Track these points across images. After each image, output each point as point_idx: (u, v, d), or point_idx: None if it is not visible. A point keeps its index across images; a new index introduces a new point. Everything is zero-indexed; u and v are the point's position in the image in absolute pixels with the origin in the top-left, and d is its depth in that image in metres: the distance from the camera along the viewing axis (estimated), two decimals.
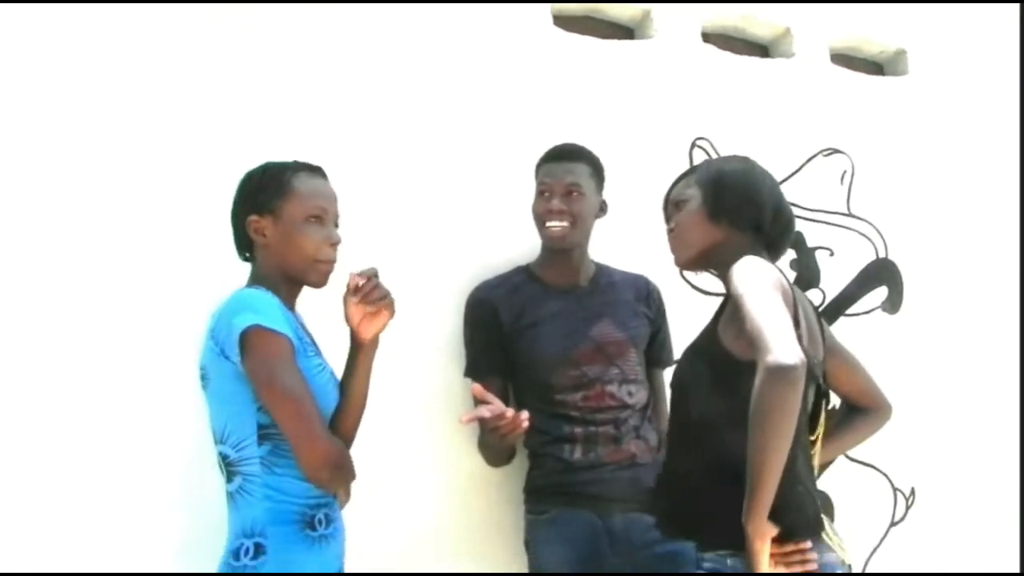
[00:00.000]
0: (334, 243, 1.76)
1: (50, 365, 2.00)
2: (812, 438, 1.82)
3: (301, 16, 2.36)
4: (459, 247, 2.41)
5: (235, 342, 1.62)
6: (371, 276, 1.75)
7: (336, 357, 1.85)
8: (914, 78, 3.05)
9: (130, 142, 2.13)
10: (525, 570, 2.24)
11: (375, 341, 1.79)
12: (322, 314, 1.85)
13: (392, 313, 1.77)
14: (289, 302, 1.77)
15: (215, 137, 2.19)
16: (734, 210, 1.81)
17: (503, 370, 2.29)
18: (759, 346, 1.56)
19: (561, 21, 2.73)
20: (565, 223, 2.26)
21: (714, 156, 2.71)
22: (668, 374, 2.21)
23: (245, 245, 1.79)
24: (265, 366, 1.61)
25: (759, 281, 1.66)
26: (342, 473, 1.68)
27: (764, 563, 1.59)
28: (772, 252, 1.85)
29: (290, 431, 1.62)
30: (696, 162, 2.70)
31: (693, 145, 2.72)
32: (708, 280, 2.61)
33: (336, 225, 1.80)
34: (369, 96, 2.39)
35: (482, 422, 1.96)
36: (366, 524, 2.10)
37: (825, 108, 2.91)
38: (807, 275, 2.79)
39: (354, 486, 1.90)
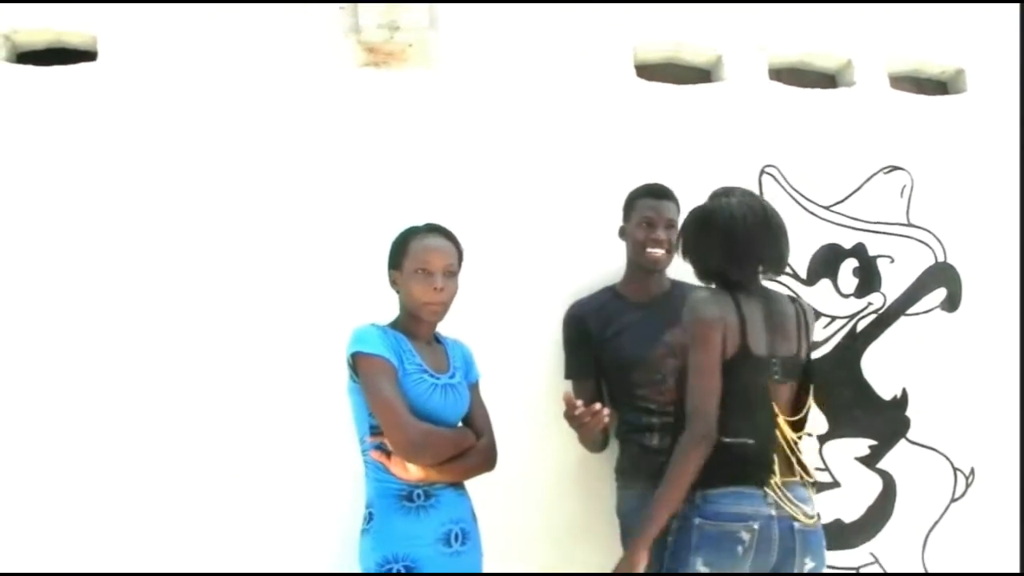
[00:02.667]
0: (437, 288, 2.22)
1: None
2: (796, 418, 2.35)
3: (406, 80, 2.92)
4: (558, 272, 2.91)
5: (348, 366, 2.21)
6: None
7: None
8: (972, 95, 3.30)
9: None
10: (617, 533, 2.69)
11: None
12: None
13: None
14: (417, 331, 2.29)
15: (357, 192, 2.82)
16: (685, 255, 2.44)
17: (594, 372, 2.77)
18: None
19: (645, 69, 3.18)
20: (664, 250, 2.72)
21: (782, 181, 3.11)
22: None
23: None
24: (366, 380, 2.16)
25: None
26: (423, 452, 2.12)
27: None
28: (735, 284, 2.34)
29: (382, 423, 2.14)
30: (766, 189, 3.10)
31: (762, 172, 3.09)
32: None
33: (451, 273, 2.27)
34: (482, 149, 2.94)
35: (571, 422, 2.41)
36: (492, 503, 2.53)
37: (886, 129, 3.20)
38: (868, 280, 3.09)
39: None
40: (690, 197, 2.77)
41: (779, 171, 3.12)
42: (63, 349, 2.65)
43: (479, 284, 2.81)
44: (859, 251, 3.12)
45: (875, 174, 3.17)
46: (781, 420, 2.28)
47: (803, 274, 3.09)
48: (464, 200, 2.88)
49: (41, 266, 2.67)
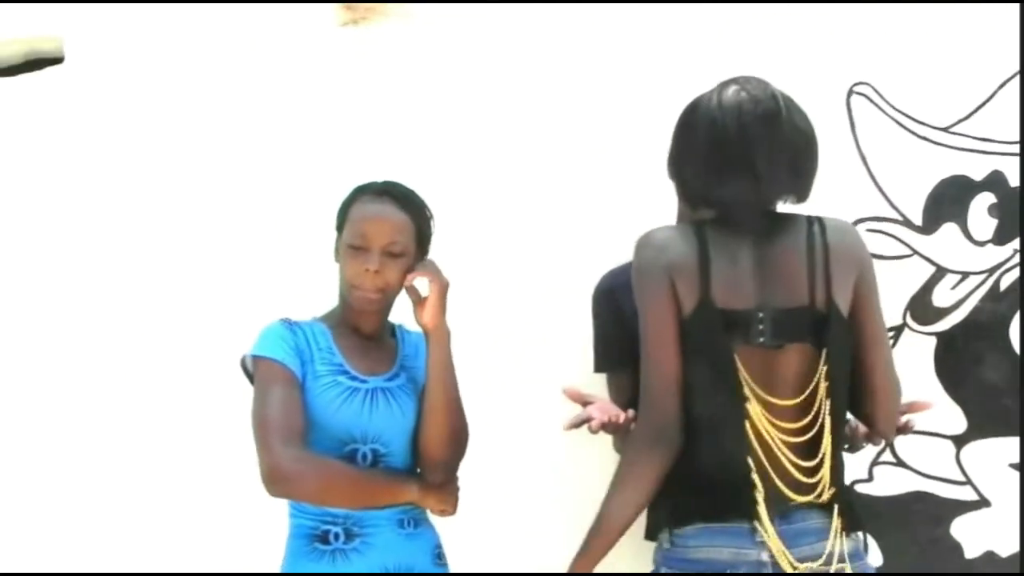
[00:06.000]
0: (370, 269, 1.78)
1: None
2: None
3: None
4: (573, 245, 2.50)
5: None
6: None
7: None
8: None
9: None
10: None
11: (442, 331, 1.80)
12: None
13: (442, 287, 1.80)
14: (357, 322, 1.87)
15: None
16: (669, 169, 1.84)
17: (632, 360, 2.19)
18: None
19: None
20: None
21: (879, 101, 2.49)
22: None
23: None
24: (255, 390, 1.79)
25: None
26: (286, 487, 1.72)
27: None
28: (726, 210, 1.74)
29: (256, 442, 1.75)
30: (856, 113, 2.50)
31: (850, 93, 2.51)
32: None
33: (393, 253, 1.82)
34: (473, 108, 2.56)
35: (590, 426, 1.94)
36: (504, 524, 2.39)
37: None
38: (1011, 220, 2.44)
39: (483, 486, 2.06)
40: None
41: (873, 89, 2.50)
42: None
43: (468, 266, 2.39)
44: (995, 182, 2.47)
45: (1009, 79, 2.49)
46: (754, 407, 1.61)
47: (917, 220, 2.46)
48: (452, 167, 2.51)
49: None
